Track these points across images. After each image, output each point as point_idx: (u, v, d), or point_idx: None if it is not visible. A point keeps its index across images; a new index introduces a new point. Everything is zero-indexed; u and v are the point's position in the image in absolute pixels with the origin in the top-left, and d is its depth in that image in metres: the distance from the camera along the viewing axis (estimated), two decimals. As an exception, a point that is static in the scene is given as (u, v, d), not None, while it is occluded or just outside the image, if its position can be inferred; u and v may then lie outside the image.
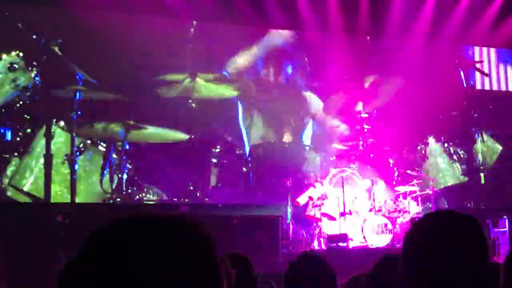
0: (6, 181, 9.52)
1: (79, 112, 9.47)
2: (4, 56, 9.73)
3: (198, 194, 10.33)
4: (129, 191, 9.73)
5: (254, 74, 11.33)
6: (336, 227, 9.14)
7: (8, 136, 9.60)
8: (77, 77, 9.60)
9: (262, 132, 11.08)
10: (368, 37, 11.95)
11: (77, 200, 9.39)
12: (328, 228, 9.22)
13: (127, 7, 10.02)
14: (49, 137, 9.54)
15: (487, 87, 12.53)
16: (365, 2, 11.23)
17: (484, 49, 12.61)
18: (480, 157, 11.89)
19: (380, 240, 8.87)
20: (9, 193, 9.51)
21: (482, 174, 11.82)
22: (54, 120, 9.75)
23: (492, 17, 11.83)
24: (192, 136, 10.59)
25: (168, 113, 10.42)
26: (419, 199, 9.71)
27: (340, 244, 8.76)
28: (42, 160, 9.52)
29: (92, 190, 9.88)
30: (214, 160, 10.65)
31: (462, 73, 11.91)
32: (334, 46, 11.28)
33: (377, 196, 9.56)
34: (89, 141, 9.93)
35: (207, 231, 1.18)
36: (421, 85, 11.47)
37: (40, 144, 9.68)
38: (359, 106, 11.14)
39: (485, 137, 12.04)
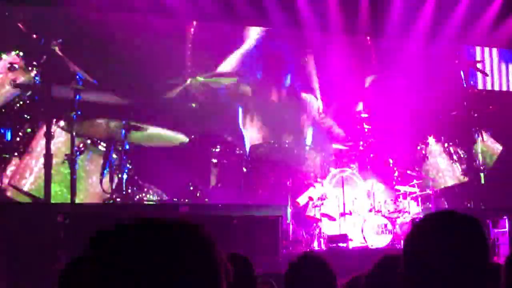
0: (6, 181, 9.52)
1: (79, 112, 9.48)
2: (4, 56, 9.73)
3: (198, 194, 10.34)
4: (129, 191, 9.73)
5: (252, 75, 11.31)
6: (336, 228, 9.14)
7: (8, 136, 9.60)
8: (77, 77, 9.60)
9: (262, 133, 11.07)
10: (368, 37, 11.95)
11: (77, 200, 9.39)
12: (328, 228, 9.22)
13: (127, 7, 10.03)
14: (49, 137, 9.54)
15: (488, 87, 12.53)
16: (365, 2, 11.23)
17: (486, 48, 12.61)
18: (480, 157, 11.89)
19: (380, 241, 8.87)
20: (9, 193, 9.51)
21: (482, 174, 11.82)
22: (54, 120, 9.75)
23: (492, 17, 11.83)
24: (192, 136, 10.59)
25: (168, 113, 10.42)
26: (419, 199, 9.71)
27: (340, 244, 8.76)
28: (42, 160, 9.52)
29: (92, 190, 9.88)
30: (214, 160, 10.64)
31: (462, 73, 11.91)
32: (334, 46, 11.28)
33: (377, 196, 9.56)
34: (89, 141, 9.94)
35: (207, 232, 1.19)
36: (421, 85, 11.46)
37: (40, 144, 9.68)
38: (359, 106, 11.14)
39: (485, 137, 12.04)
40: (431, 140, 11.81)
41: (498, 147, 12.24)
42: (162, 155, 10.30)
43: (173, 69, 10.65)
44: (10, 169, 9.60)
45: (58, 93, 9.77)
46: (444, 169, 11.86)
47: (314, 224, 9.36)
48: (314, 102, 11.46)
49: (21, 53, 9.75)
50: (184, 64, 10.80)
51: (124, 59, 9.87)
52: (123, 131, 9.64)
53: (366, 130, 10.50)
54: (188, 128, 10.60)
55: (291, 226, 9.27)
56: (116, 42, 9.69)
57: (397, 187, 9.91)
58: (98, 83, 9.95)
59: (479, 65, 12.30)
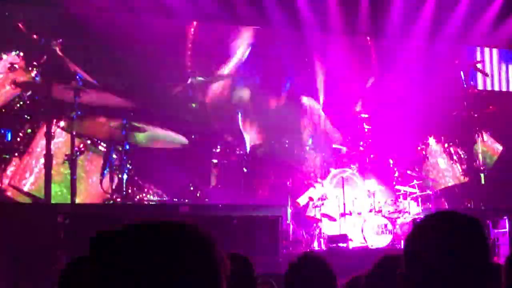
0: (6, 181, 9.51)
1: (79, 112, 9.47)
2: (4, 56, 9.73)
3: (198, 194, 10.34)
4: (129, 191, 9.72)
5: (252, 78, 11.30)
6: (336, 228, 9.14)
7: (8, 136, 9.60)
8: (77, 77, 9.60)
9: (262, 134, 11.06)
10: (368, 38, 11.95)
11: (77, 201, 9.39)
12: (328, 228, 9.22)
13: (127, 7, 10.03)
14: (49, 137, 9.53)
15: (488, 87, 12.53)
16: (365, 2, 11.23)
17: (486, 48, 12.61)
18: (480, 157, 11.89)
19: (380, 241, 8.87)
20: (9, 194, 9.51)
21: (482, 175, 11.81)
22: (54, 120, 9.75)
23: (492, 17, 11.83)
24: (192, 137, 10.59)
25: (168, 113, 10.42)
26: (419, 199, 9.71)
27: (340, 244, 8.76)
28: (42, 161, 9.51)
29: (92, 190, 9.88)
30: (214, 161, 10.64)
31: (462, 74, 11.91)
32: (334, 47, 11.28)
33: (377, 196, 9.56)
34: (89, 141, 9.93)
35: (207, 232, 1.19)
36: (421, 85, 11.46)
37: (40, 144, 9.68)
38: (359, 106, 11.14)
39: (485, 137, 12.03)
40: (431, 140, 11.81)
41: (498, 147, 12.24)
42: (162, 155, 10.30)
43: (173, 69, 10.65)
44: (10, 170, 9.60)
45: (58, 93, 9.76)
46: (444, 169, 11.85)
47: (314, 224, 9.36)
48: (315, 105, 11.44)
49: (21, 53, 9.75)
50: (184, 64, 10.80)
51: (124, 59, 9.87)
52: (123, 131, 9.64)
53: (366, 130, 10.50)
54: (188, 128, 10.59)
55: (291, 226, 9.26)
56: (116, 42, 9.69)
57: (397, 187, 9.91)
58: (98, 83, 9.95)
59: (479, 65, 12.29)
